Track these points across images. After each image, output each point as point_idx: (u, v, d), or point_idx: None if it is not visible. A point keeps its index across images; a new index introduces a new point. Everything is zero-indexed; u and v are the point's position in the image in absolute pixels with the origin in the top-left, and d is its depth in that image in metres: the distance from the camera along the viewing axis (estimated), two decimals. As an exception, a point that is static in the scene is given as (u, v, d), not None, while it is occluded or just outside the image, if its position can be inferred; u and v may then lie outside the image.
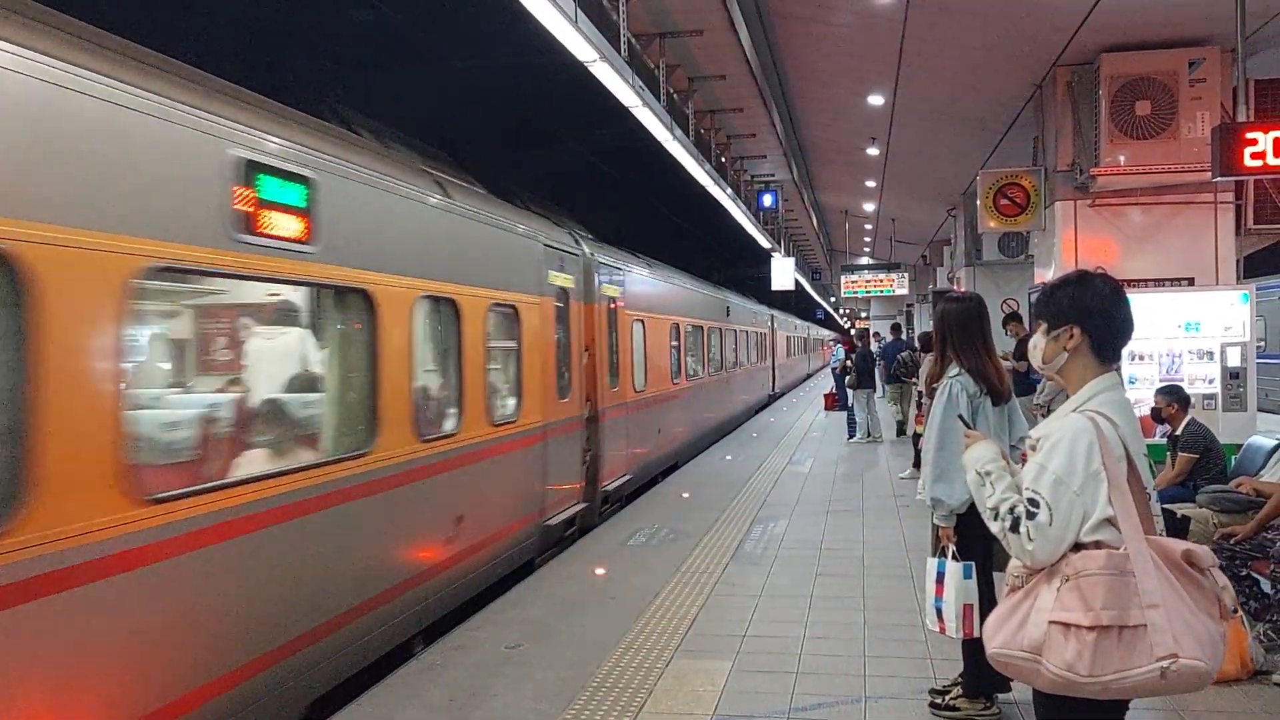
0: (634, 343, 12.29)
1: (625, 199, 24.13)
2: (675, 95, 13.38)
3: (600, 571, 7.75)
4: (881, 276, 29.02)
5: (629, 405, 11.81)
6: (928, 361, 9.28)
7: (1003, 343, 9.80)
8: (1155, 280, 9.61)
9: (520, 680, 5.35)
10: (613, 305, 11.32)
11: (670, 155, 12.54)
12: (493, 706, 5.00)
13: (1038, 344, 2.91)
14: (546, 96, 14.53)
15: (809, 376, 46.06)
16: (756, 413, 23.73)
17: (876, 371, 17.90)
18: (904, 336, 18.98)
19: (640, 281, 12.76)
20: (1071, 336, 2.81)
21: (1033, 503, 2.64)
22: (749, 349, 23.13)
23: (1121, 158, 9.21)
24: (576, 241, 10.17)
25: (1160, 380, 8.68)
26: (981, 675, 4.47)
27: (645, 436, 12.63)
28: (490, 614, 6.67)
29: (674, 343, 14.52)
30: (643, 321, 12.69)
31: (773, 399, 26.67)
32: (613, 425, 11.00)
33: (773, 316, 27.41)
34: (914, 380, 15.76)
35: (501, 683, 5.31)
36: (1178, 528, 6.21)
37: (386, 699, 5.14)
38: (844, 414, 18.12)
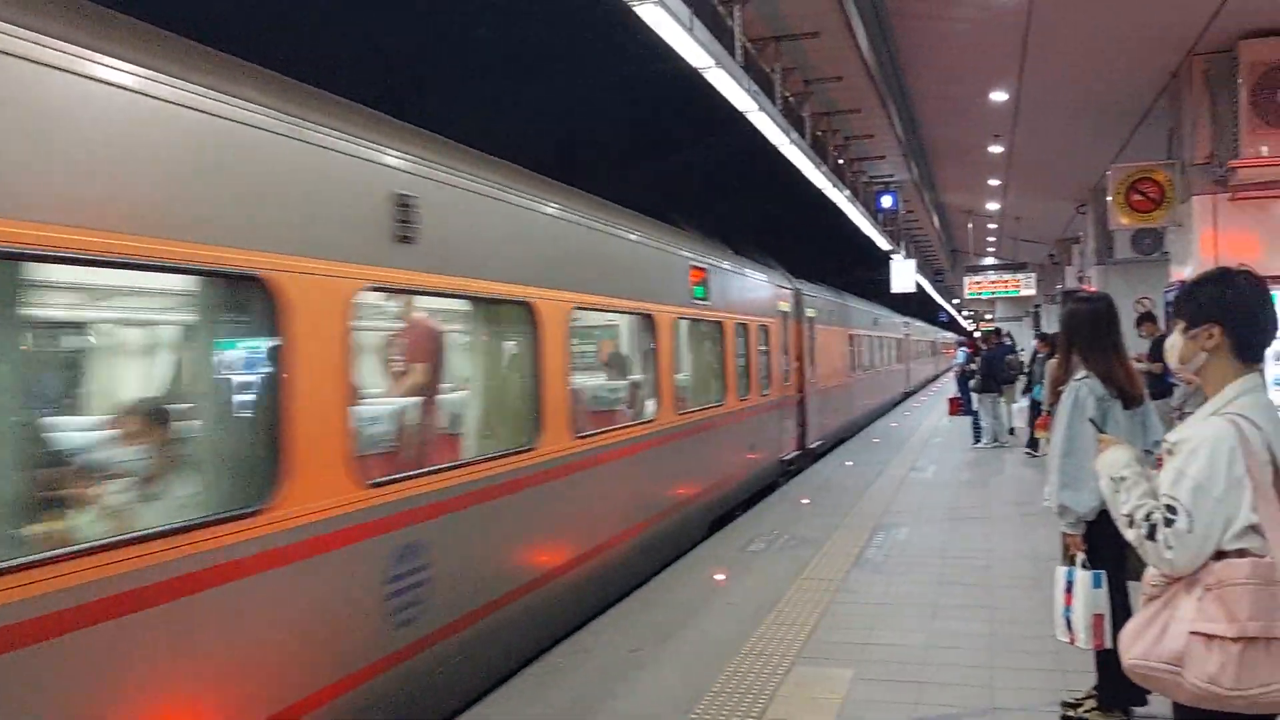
0: None
1: (744, 204, 24.05)
2: (791, 98, 13.32)
3: (720, 577, 7.76)
4: (1007, 277, 28.25)
5: None
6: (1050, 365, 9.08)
7: (1136, 344, 9.43)
8: (1304, 276, 9.10)
9: (642, 684, 5.40)
10: None
11: (787, 159, 12.50)
12: (615, 710, 5.07)
13: (1175, 343, 2.82)
14: (663, 105, 14.65)
15: (904, 398, 31.14)
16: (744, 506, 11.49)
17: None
18: (1005, 341, 18.54)
19: None
20: (1210, 336, 2.71)
21: (1171, 509, 2.56)
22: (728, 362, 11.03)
23: (1264, 148, 8.78)
24: None
25: (1311, 382, 8.20)
26: (1117, 687, 4.31)
27: None
28: (612, 618, 6.76)
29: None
30: None
31: (792, 467, 14.07)
32: None
33: (797, 293, 15.11)
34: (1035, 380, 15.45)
35: (623, 686, 5.38)
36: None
37: (511, 702, 5.26)
38: (968, 419, 17.67)
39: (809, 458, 15.19)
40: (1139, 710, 4.50)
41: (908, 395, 32.47)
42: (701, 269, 10.07)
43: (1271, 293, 2.77)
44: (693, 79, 8.74)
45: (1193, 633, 2.48)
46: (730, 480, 10.90)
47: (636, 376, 8.90)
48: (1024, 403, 16.68)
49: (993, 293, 29.06)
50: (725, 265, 11.15)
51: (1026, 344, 36.90)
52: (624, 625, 6.53)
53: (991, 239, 30.84)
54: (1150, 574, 2.69)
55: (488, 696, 5.37)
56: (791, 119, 12.43)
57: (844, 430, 18.98)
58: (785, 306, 14.20)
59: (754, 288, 12.54)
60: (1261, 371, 2.86)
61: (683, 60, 8.07)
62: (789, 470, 13.77)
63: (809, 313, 15.84)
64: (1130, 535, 2.67)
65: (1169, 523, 2.55)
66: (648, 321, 8.63)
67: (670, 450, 8.84)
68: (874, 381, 24.47)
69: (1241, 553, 2.51)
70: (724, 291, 10.87)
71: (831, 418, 17.69)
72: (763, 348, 12.65)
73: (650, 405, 8.60)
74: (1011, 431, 16.71)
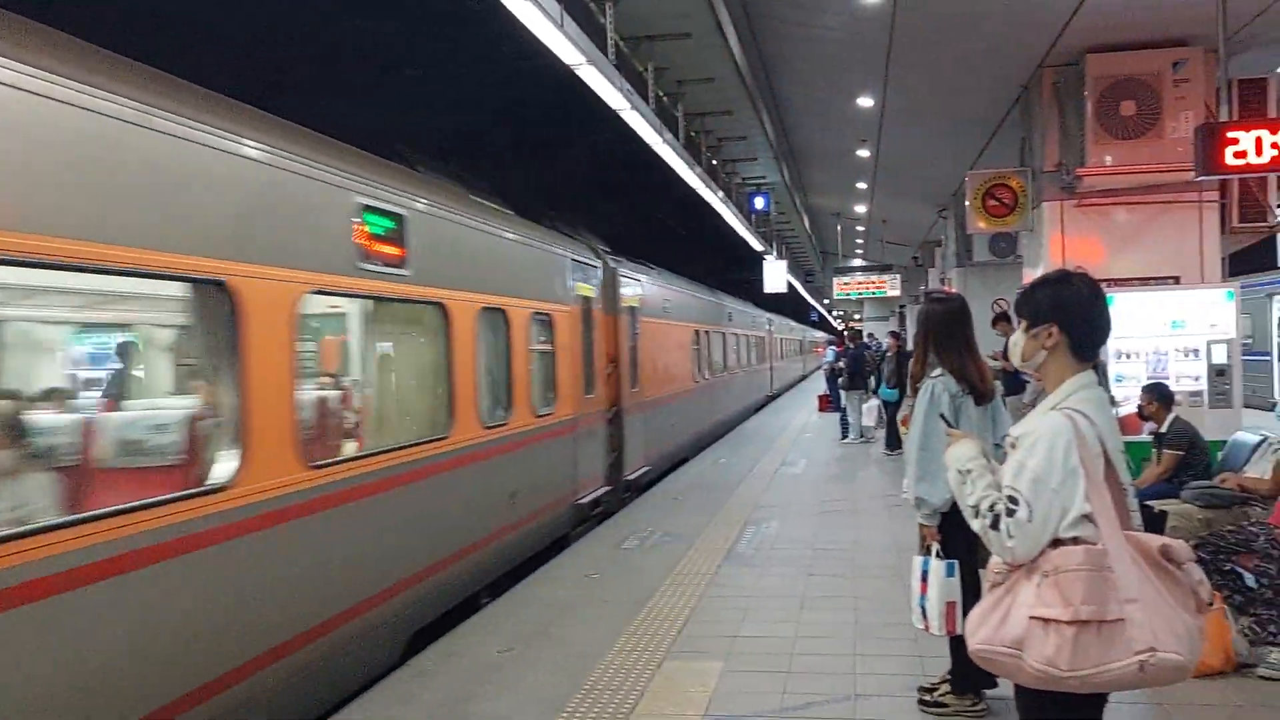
0: None
1: (621, 204, 23.99)
2: (664, 98, 13.43)
3: (593, 575, 7.77)
4: (874, 278, 29.11)
5: None
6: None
7: (994, 343, 9.85)
8: (1141, 279, 9.67)
9: (512, 685, 5.36)
10: None
11: (662, 159, 12.58)
12: (484, 712, 5.01)
13: (1017, 341, 2.94)
14: (541, 103, 14.51)
15: (767, 402, 27.74)
16: None
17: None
18: (865, 340, 19.25)
19: None
20: (1050, 335, 2.83)
21: (1012, 500, 2.66)
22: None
23: (1107, 158, 9.28)
24: None
25: (1147, 378, 8.73)
26: (968, 672, 4.50)
27: None
28: (482, 619, 6.69)
29: None
30: None
31: (599, 510, 10.72)
32: None
33: (611, 274, 11.81)
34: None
35: (493, 688, 5.32)
36: (1155, 523, 6.25)
37: (377, 706, 5.16)
38: (837, 415, 18.16)
39: (628, 491, 11.77)
40: (989, 692, 4.70)
41: (771, 399, 29.89)
42: (394, 215, 6.18)
43: (1106, 294, 2.93)
44: (560, 74, 8.71)
45: (1032, 617, 2.59)
46: (457, 558, 6.98)
47: (190, 403, 5.12)
48: (873, 402, 17.00)
49: (860, 293, 29.93)
50: (454, 215, 7.17)
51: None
52: (495, 626, 6.46)
53: (860, 241, 31.75)
54: (994, 562, 2.80)
55: (355, 699, 5.25)
56: (665, 119, 12.53)
57: (683, 450, 15.64)
58: (588, 290, 10.57)
59: (521, 258, 8.74)
60: (1097, 368, 3.02)
61: (554, 56, 8.04)
62: (595, 514, 10.42)
63: (629, 300, 12.35)
64: (976, 525, 2.78)
65: (1011, 513, 2.66)
66: (219, 299, 4.60)
67: (303, 533, 5.08)
68: (727, 387, 21.32)
69: (1076, 540, 2.63)
70: (448, 257, 7.07)
71: (664, 436, 14.15)
72: (543, 345, 9.13)
73: (227, 462, 4.57)
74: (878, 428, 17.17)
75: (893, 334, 16.57)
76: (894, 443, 14.28)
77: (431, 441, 6.69)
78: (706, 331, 18.59)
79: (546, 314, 9.17)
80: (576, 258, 10.32)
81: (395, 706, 5.10)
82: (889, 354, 15.67)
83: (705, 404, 18.34)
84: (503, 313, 8.04)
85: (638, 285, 13.01)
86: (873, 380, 17.24)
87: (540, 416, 8.87)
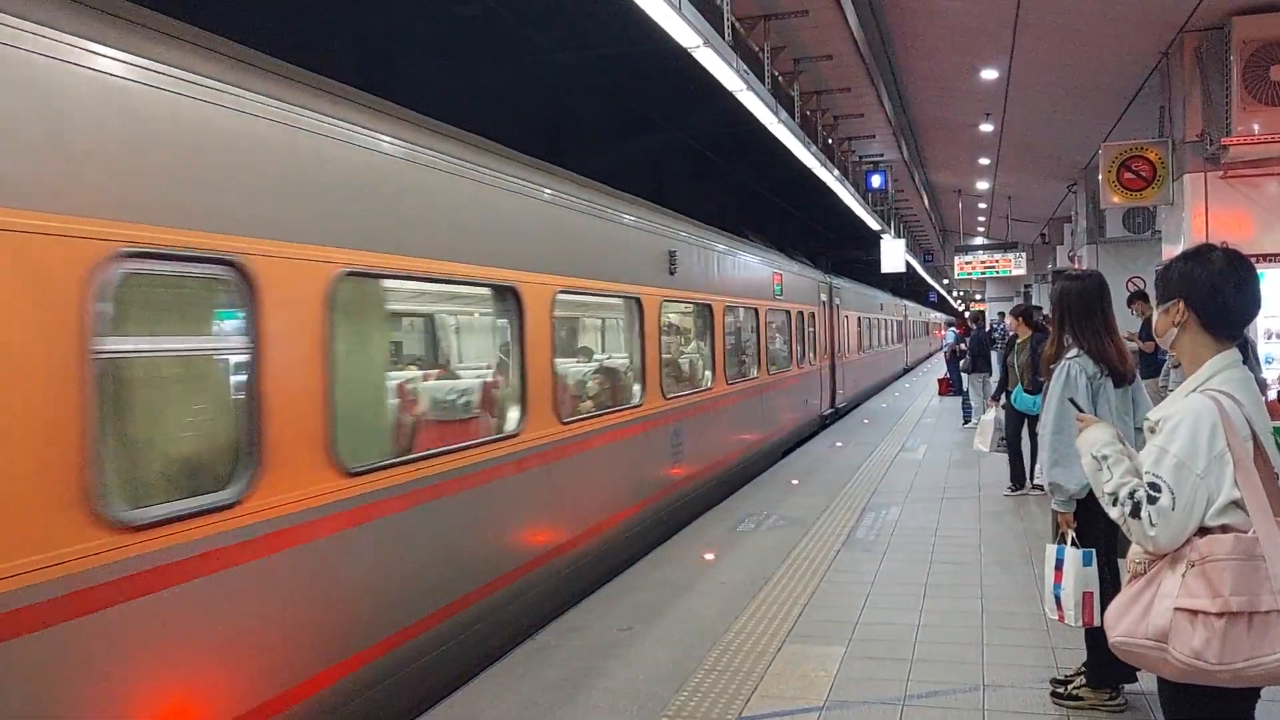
0: None
1: (729, 183, 23.79)
2: (780, 77, 13.25)
3: (709, 557, 7.77)
4: (997, 257, 28.16)
5: None
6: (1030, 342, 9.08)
7: (1128, 322, 9.45)
8: (1294, 254, 9.11)
9: (632, 662, 5.41)
10: None
11: (776, 138, 12.42)
12: (605, 686, 5.08)
13: (1155, 317, 2.88)
14: (649, 83, 14.46)
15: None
16: None
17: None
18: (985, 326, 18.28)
19: None
20: (1178, 311, 2.75)
21: (1154, 487, 2.56)
22: None
23: (1255, 126, 8.75)
24: None
25: (1299, 359, 8.24)
26: (1106, 665, 4.33)
27: None
28: (601, 597, 6.77)
29: None
30: None
31: None
32: None
33: None
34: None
35: (614, 663, 5.39)
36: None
37: (501, 679, 5.27)
38: (958, 399, 17.70)
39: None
40: (1129, 687, 4.52)
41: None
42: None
43: (1249, 271, 2.76)
44: (678, 57, 8.66)
45: (1177, 609, 2.48)
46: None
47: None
48: (998, 414, 10.23)
49: (983, 273, 28.99)
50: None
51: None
52: (614, 604, 6.53)
53: (982, 219, 30.83)
54: (1134, 552, 2.69)
55: (479, 675, 5.38)
56: (780, 98, 12.36)
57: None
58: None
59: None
60: (1244, 346, 2.88)
61: (670, 39, 7.99)
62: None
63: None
64: (1114, 513, 2.67)
65: (1152, 500, 2.54)
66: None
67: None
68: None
69: (1224, 528, 2.51)
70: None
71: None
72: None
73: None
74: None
75: (1017, 312, 10.70)
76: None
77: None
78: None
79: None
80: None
81: (517, 681, 5.21)
82: (1017, 340, 10.00)
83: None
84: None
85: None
86: (988, 379, 13.70)
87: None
